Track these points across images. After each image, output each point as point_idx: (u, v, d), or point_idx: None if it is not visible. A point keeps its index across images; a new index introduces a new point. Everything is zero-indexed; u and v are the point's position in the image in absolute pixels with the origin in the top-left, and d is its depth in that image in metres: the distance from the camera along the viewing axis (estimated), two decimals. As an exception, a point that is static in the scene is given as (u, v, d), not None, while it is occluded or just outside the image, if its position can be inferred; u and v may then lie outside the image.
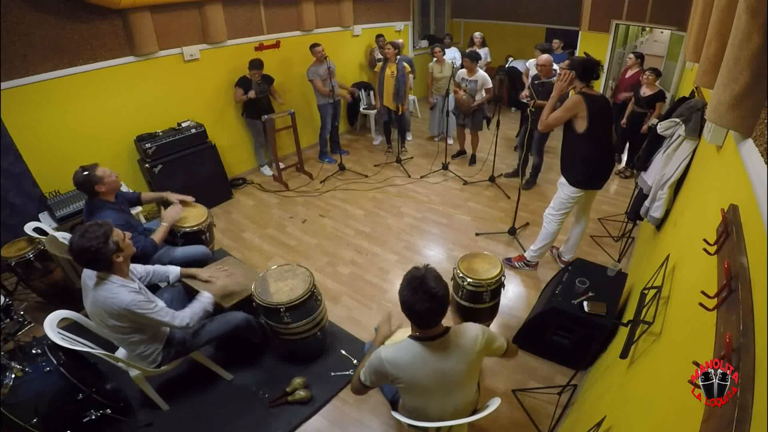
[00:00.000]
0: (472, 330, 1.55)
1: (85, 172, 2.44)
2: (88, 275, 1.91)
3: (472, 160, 5.37)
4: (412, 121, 6.86)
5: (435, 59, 5.31)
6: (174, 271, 2.41)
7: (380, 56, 5.91)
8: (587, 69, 2.68)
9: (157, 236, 2.62)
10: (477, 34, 6.40)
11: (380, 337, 1.81)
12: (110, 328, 1.93)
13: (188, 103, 4.35)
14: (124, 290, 1.85)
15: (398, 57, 4.92)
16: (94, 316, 1.94)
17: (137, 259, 2.50)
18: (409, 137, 6.18)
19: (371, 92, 6.39)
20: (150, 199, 3.07)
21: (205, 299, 2.16)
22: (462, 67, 4.88)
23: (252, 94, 4.49)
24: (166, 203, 3.04)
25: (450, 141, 5.75)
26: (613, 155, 3.00)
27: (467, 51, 4.94)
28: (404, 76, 4.93)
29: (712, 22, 1.70)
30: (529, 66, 5.07)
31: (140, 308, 1.86)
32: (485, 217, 4.24)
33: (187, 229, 2.90)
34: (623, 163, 5.19)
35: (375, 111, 6.13)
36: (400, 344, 1.53)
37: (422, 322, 1.46)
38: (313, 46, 4.66)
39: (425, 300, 1.38)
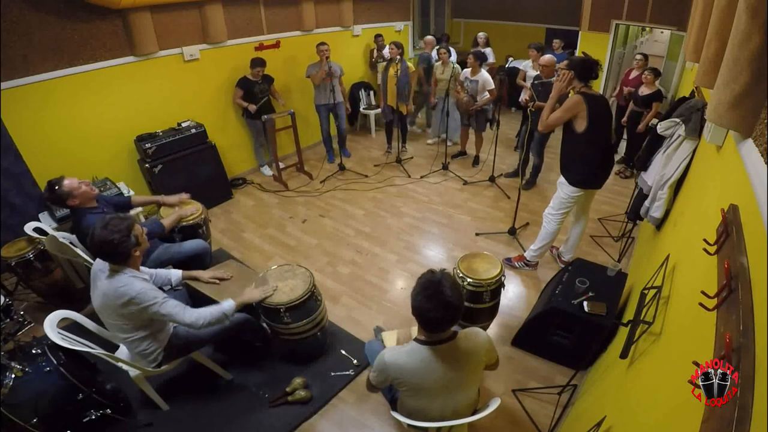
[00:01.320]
0: (480, 335, 1.55)
1: (55, 187, 2.41)
2: (100, 268, 1.92)
3: (476, 161, 5.36)
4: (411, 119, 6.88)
5: (440, 60, 5.25)
6: (176, 274, 2.41)
7: (380, 57, 5.90)
8: (586, 68, 2.68)
9: (167, 221, 2.69)
10: (481, 34, 6.37)
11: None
12: (121, 318, 1.93)
13: (188, 103, 4.35)
14: (135, 280, 1.89)
15: (401, 57, 4.92)
16: (104, 308, 1.94)
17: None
18: (417, 130, 6.11)
19: (371, 92, 6.39)
20: (141, 203, 3.05)
21: (226, 304, 2.11)
22: (463, 66, 4.87)
23: (252, 108, 4.50)
24: (160, 206, 3.05)
25: (449, 143, 5.74)
26: (612, 155, 3.01)
27: (473, 50, 4.90)
28: (407, 76, 4.93)
29: (712, 22, 1.70)
30: (525, 68, 5.07)
31: (149, 297, 1.88)
32: (485, 217, 4.24)
33: (183, 223, 2.92)
34: (619, 155, 5.24)
35: (375, 111, 6.14)
36: (405, 348, 1.51)
37: (433, 327, 1.43)
38: (318, 45, 4.64)
39: (440, 308, 1.34)
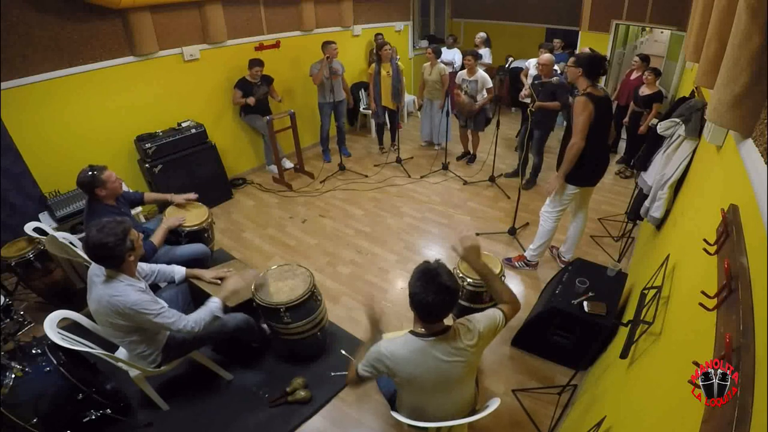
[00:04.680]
0: (473, 326, 1.55)
1: (91, 173, 2.45)
2: (95, 272, 1.91)
3: (471, 160, 5.39)
4: (410, 120, 6.89)
5: (429, 61, 5.17)
6: (180, 271, 2.42)
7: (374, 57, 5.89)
8: (594, 65, 2.66)
9: (156, 239, 2.63)
10: (479, 35, 6.35)
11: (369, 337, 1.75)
12: (113, 326, 1.94)
13: (188, 103, 4.35)
14: (131, 289, 1.87)
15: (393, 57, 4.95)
16: (98, 314, 1.94)
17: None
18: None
19: (371, 92, 6.40)
20: (153, 200, 3.10)
21: (212, 304, 2.13)
22: (463, 67, 4.87)
23: (252, 100, 4.49)
24: (167, 204, 3.07)
25: (437, 147, 5.75)
26: (608, 154, 3.02)
27: (470, 50, 4.89)
28: (399, 74, 4.96)
29: (712, 22, 1.70)
30: (528, 65, 5.07)
31: (145, 309, 1.87)
32: (485, 217, 4.24)
33: (188, 229, 2.92)
34: (619, 155, 5.29)
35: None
36: (400, 339, 1.52)
37: (431, 315, 1.46)
38: (326, 43, 4.61)
39: (439, 292, 1.38)
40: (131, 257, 1.89)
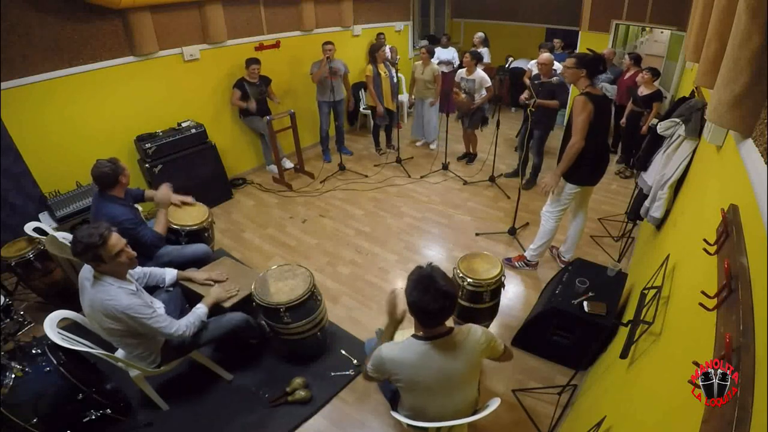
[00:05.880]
0: (477, 331, 1.56)
1: (110, 164, 2.46)
2: (85, 276, 1.91)
3: (470, 159, 5.39)
4: (410, 120, 6.90)
5: (421, 60, 5.18)
6: (171, 273, 2.40)
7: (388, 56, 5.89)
8: (597, 65, 2.69)
9: (159, 227, 2.65)
10: (478, 34, 6.37)
11: (389, 330, 1.74)
12: (107, 330, 1.94)
13: (188, 103, 4.35)
14: (122, 292, 1.86)
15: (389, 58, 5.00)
16: (92, 318, 1.94)
17: (145, 249, 2.50)
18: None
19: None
20: (152, 197, 3.09)
21: (199, 311, 2.19)
22: (461, 66, 4.88)
23: (252, 105, 4.50)
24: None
25: (433, 146, 5.77)
26: (608, 153, 3.02)
27: (471, 50, 4.90)
28: (394, 74, 5.00)
29: (712, 22, 1.70)
30: (531, 67, 5.07)
31: (137, 313, 1.86)
32: (485, 217, 4.24)
33: (188, 228, 2.92)
34: (619, 155, 5.31)
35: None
36: (402, 343, 1.53)
37: (432, 321, 1.46)
38: (323, 44, 4.65)
39: (438, 299, 1.38)
40: (118, 258, 1.86)
